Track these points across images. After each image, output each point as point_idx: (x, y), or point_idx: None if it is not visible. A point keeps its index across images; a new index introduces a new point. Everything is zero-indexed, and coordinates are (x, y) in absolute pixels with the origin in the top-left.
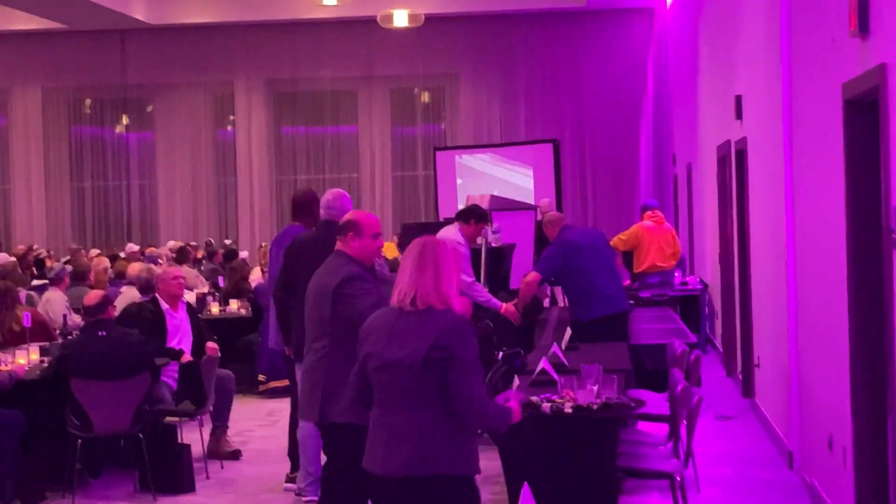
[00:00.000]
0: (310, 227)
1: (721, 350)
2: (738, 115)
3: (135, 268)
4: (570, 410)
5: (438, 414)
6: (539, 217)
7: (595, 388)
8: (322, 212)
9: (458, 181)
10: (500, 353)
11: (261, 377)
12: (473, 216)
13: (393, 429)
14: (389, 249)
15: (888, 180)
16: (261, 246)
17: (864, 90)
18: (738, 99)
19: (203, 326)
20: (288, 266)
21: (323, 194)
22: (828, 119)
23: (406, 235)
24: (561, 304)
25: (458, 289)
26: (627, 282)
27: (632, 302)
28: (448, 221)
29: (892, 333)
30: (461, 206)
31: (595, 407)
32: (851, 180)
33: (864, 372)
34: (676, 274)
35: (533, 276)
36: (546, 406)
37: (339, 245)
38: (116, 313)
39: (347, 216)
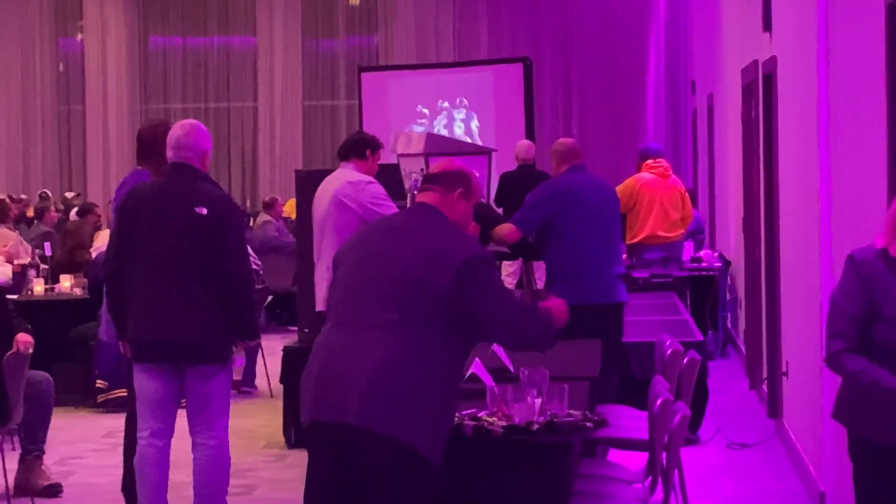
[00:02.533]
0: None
1: (744, 353)
2: (767, 26)
3: None
4: (500, 431)
5: None
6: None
7: (538, 401)
8: (170, 152)
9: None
10: None
11: (99, 383)
12: (367, 146)
13: None
14: (293, 208)
15: None
16: (109, 202)
17: None
18: (767, 5)
19: (12, 311)
20: (123, 227)
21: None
22: (869, 29)
23: (301, 186)
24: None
25: None
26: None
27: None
28: None
29: None
30: None
31: (535, 427)
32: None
33: None
34: (686, 247)
35: (508, 230)
36: (468, 425)
37: (433, 199)
38: None
39: (458, 168)
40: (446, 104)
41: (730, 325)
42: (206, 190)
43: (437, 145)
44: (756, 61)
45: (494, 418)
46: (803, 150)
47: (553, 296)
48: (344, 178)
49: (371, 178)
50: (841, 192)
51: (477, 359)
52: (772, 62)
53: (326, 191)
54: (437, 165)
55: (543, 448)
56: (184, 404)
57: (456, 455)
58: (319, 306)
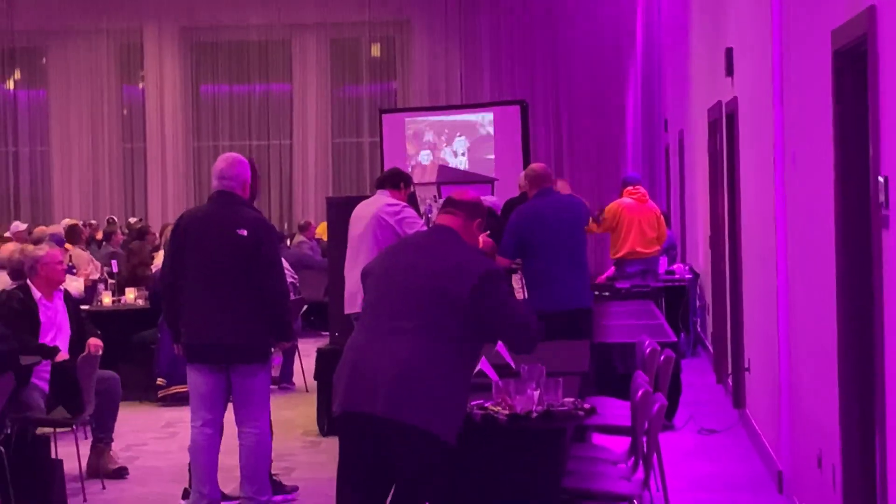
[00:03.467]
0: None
1: (712, 351)
2: (729, 72)
3: (6, 249)
4: (504, 419)
5: None
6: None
7: (536, 393)
8: (215, 181)
9: (409, 150)
10: None
11: (159, 381)
12: (402, 179)
13: None
14: (324, 230)
15: (878, 147)
16: (167, 225)
17: (853, 38)
18: (729, 52)
19: (85, 319)
20: (176, 246)
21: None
22: (817, 73)
23: (332, 211)
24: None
25: None
26: (612, 270)
27: (607, 294)
28: None
29: (881, 329)
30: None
31: (534, 415)
32: (841, 147)
33: (854, 378)
34: (661, 261)
35: (499, 260)
36: (477, 413)
37: (454, 223)
38: None
39: (478, 199)
40: (456, 136)
41: (699, 329)
42: (246, 214)
43: (448, 175)
44: (720, 102)
45: (499, 408)
46: (761, 178)
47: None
48: (384, 201)
49: (406, 203)
50: (794, 213)
51: (483, 357)
52: (733, 102)
53: (366, 212)
54: (458, 194)
55: (541, 433)
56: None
57: (466, 439)
58: (348, 310)
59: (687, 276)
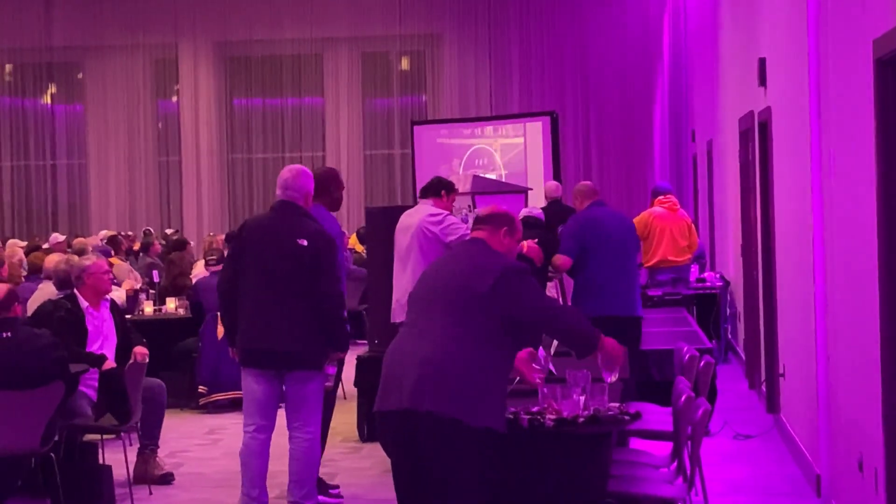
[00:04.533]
0: (331, 208)
1: (744, 358)
2: (762, 82)
3: (51, 259)
4: (551, 424)
5: None
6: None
7: (582, 398)
8: (279, 191)
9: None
10: None
11: (200, 388)
12: (444, 187)
13: None
14: (355, 241)
15: None
16: (208, 236)
17: None
18: (762, 62)
19: (130, 328)
20: (236, 253)
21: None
22: (857, 82)
23: (371, 221)
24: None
25: None
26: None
27: None
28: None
29: None
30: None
31: (581, 420)
32: (884, 154)
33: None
34: (692, 269)
35: (561, 259)
36: (524, 418)
37: (483, 235)
38: (30, 312)
39: (504, 210)
40: (485, 147)
41: (730, 336)
42: (307, 225)
43: (482, 185)
44: (752, 111)
45: (546, 412)
46: (797, 187)
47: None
48: (426, 211)
49: (447, 212)
50: (832, 221)
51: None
52: (767, 112)
53: (410, 223)
54: (484, 209)
55: (587, 438)
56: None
57: (514, 443)
58: (396, 318)
59: (718, 283)
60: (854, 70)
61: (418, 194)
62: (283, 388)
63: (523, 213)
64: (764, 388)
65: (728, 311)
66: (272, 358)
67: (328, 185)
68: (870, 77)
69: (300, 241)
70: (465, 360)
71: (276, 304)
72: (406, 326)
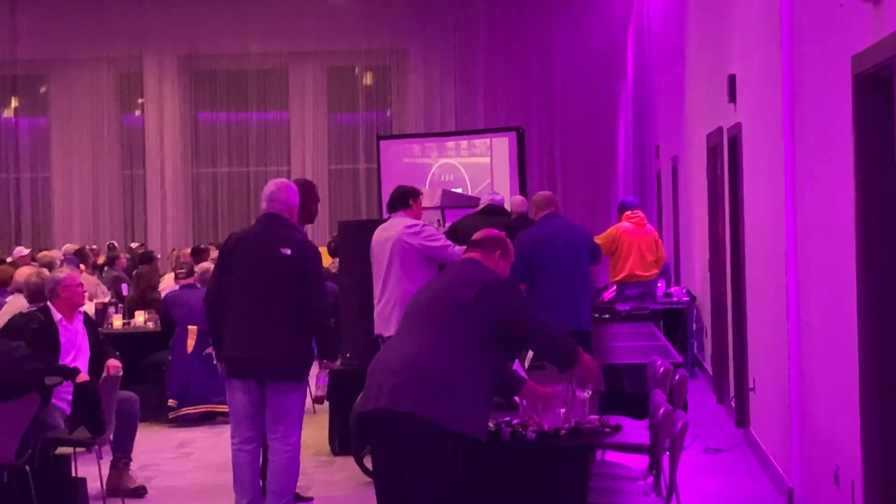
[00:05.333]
0: (307, 221)
1: (711, 373)
2: (732, 98)
3: (23, 272)
4: (533, 436)
5: None
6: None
7: (562, 410)
8: (264, 204)
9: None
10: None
11: (170, 402)
12: (410, 196)
13: None
14: (324, 256)
15: None
16: (175, 250)
17: (878, 62)
18: (732, 79)
19: (104, 341)
20: (221, 268)
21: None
22: (834, 98)
23: (343, 234)
24: None
25: None
26: (612, 293)
27: (607, 316)
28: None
29: None
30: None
31: (563, 433)
32: (862, 169)
33: (876, 394)
34: (659, 284)
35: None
36: (506, 430)
37: (477, 256)
38: (0, 325)
39: (499, 235)
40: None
41: (696, 351)
42: (291, 235)
43: (451, 200)
44: (721, 127)
45: (527, 424)
46: (769, 202)
47: None
48: (401, 224)
49: (423, 222)
50: (806, 235)
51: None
52: (737, 128)
53: (387, 237)
54: (480, 233)
55: (569, 450)
56: None
57: (495, 455)
58: (379, 331)
59: (684, 298)
60: (832, 86)
61: (386, 208)
62: (266, 398)
63: (485, 199)
64: (733, 402)
65: (694, 326)
66: (255, 366)
67: (304, 198)
68: (848, 92)
69: (284, 251)
70: (447, 366)
71: (261, 313)
72: (394, 337)
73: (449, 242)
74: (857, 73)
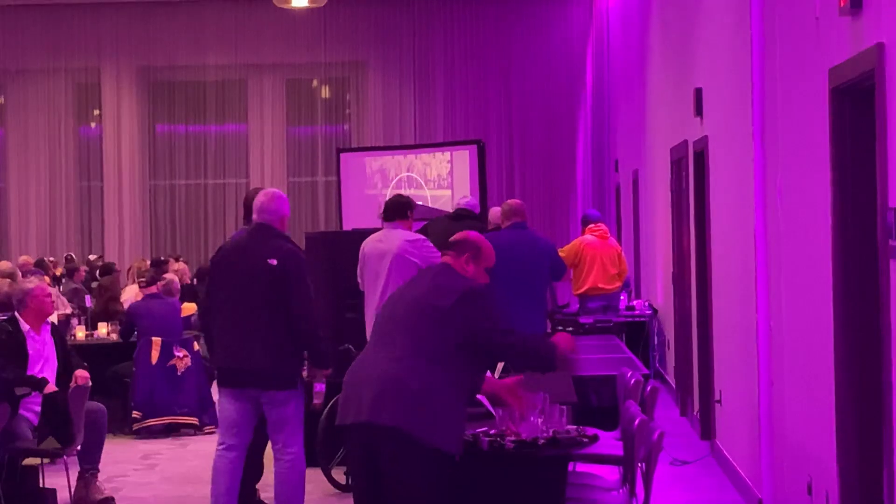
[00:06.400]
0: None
1: (674, 385)
2: (698, 112)
3: None
4: (511, 446)
5: None
6: None
7: (540, 420)
8: (255, 214)
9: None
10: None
11: (135, 414)
12: (409, 207)
13: None
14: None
15: (885, 179)
16: (138, 260)
17: (856, 75)
18: (698, 92)
19: (71, 351)
20: (211, 284)
21: (257, 195)
22: (809, 111)
23: (310, 246)
24: None
25: None
26: (576, 307)
27: (570, 329)
28: (363, 231)
29: (890, 356)
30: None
31: (541, 442)
32: (839, 181)
33: (853, 403)
34: (622, 297)
35: None
36: (484, 441)
37: (449, 260)
38: None
39: (471, 237)
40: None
41: (657, 363)
42: (279, 245)
43: (421, 212)
44: (686, 141)
45: (505, 434)
46: (738, 215)
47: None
48: (399, 237)
49: (424, 237)
50: (777, 249)
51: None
52: (703, 141)
53: (385, 249)
54: (456, 235)
55: (546, 460)
56: None
57: (473, 465)
58: None
59: (647, 311)
60: (806, 99)
61: (382, 216)
62: (260, 409)
63: (458, 203)
64: (698, 414)
65: (656, 339)
66: (245, 376)
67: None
68: (825, 106)
69: (270, 261)
70: (423, 378)
71: (249, 323)
72: (368, 345)
73: None
74: (835, 87)
